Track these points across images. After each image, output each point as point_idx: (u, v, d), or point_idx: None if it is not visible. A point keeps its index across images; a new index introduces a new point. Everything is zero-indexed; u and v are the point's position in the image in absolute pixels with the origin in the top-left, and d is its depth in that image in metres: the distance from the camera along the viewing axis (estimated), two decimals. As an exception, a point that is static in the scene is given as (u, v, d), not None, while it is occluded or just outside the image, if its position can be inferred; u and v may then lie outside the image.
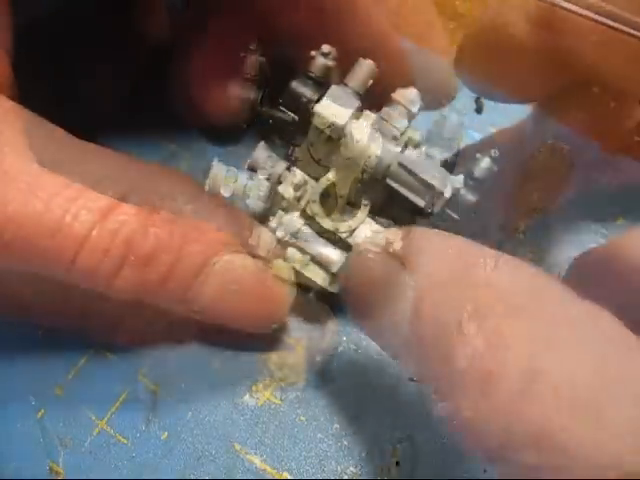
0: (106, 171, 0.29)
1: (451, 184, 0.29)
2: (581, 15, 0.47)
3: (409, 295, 0.25)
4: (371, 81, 0.31)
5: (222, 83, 0.38)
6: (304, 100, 0.30)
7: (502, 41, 0.32)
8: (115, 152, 0.31)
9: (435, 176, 0.29)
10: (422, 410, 0.34)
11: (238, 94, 0.39)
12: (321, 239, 0.33)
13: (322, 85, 0.31)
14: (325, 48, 0.31)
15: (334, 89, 0.30)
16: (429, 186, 0.29)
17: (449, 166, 0.30)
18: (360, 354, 0.35)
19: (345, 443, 0.33)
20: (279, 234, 0.32)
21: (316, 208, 0.32)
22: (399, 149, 0.30)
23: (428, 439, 0.34)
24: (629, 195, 0.40)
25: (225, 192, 0.32)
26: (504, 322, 0.23)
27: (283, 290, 0.33)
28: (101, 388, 0.34)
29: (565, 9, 0.47)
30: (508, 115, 0.42)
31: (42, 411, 0.33)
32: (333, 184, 0.31)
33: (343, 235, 0.32)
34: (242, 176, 0.33)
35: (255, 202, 0.32)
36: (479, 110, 0.43)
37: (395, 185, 0.30)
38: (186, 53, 0.39)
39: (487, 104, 0.43)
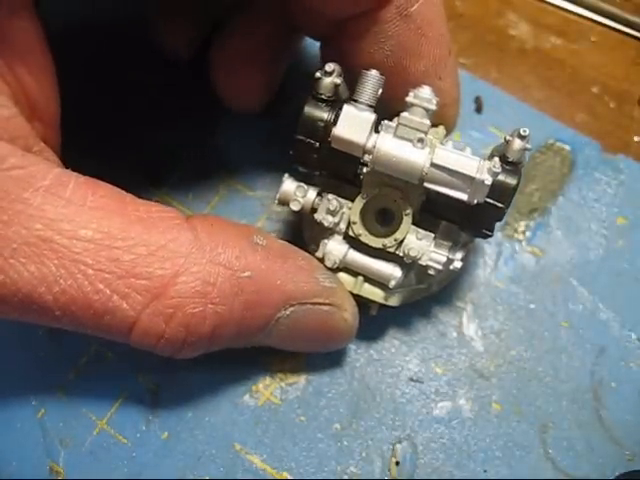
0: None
1: (489, 171, 0.28)
2: (581, 15, 0.47)
3: None
4: (380, 91, 0.30)
5: (241, 70, 0.38)
6: (321, 124, 0.30)
7: None
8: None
9: (471, 166, 0.29)
10: (422, 410, 0.35)
11: (256, 83, 0.38)
12: (369, 257, 0.32)
13: (335, 103, 0.30)
14: (328, 67, 0.30)
15: (347, 109, 0.29)
16: (468, 178, 0.29)
17: (514, 190, 0.29)
18: (360, 354, 0.35)
19: (345, 443, 0.33)
20: (328, 264, 0.31)
21: (359, 229, 0.31)
22: (427, 150, 0.29)
23: (428, 439, 0.34)
24: (629, 195, 0.40)
25: (294, 206, 0.31)
26: None
27: (349, 325, 0.32)
28: (101, 388, 0.34)
29: (565, 9, 0.47)
30: (508, 115, 0.43)
31: (42, 411, 0.33)
32: (396, 203, 0.31)
33: (391, 249, 0.31)
34: (311, 191, 0.32)
35: (324, 216, 0.31)
36: (479, 110, 0.43)
37: (434, 186, 0.29)
38: (220, 35, 0.38)
39: (487, 104, 0.43)
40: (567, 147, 0.42)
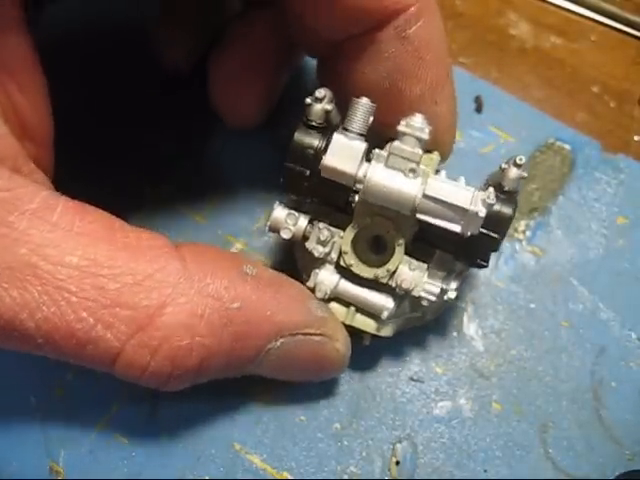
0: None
1: (484, 202, 0.28)
2: (581, 15, 0.47)
3: None
4: (372, 118, 0.29)
5: (238, 89, 0.37)
6: (311, 152, 0.29)
7: None
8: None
9: (465, 197, 0.28)
10: (422, 410, 0.35)
11: (253, 101, 0.38)
12: (361, 287, 0.31)
13: (326, 130, 0.29)
14: (319, 93, 0.29)
15: (336, 138, 0.29)
16: (461, 210, 0.28)
17: (509, 220, 0.29)
18: (360, 354, 0.35)
19: (345, 443, 0.33)
20: (319, 294, 0.31)
21: (350, 259, 0.31)
22: (420, 180, 0.28)
23: (428, 439, 0.34)
24: (629, 195, 0.40)
25: (285, 235, 0.31)
26: None
27: (341, 355, 0.32)
28: (101, 388, 0.34)
29: (565, 9, 0.47)
30: (508, 114, 0.42)
31: (42, 411, 0.33)
32: (388, 234, 0.30)
33: (383, 280, 0.31)
34: (302, 219, 0.31)
35: (314, 246, 0.31)
36: (479, 109, 0.43)
37: (427, 218, 0.28)
38: (218, 49, 0.38)
39: (487, 103, 0.43)
40: (567, 146, 0.42)
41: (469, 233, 0.28)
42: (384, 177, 0.28)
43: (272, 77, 0.38)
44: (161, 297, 0.25)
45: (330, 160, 0.28)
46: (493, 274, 0.38)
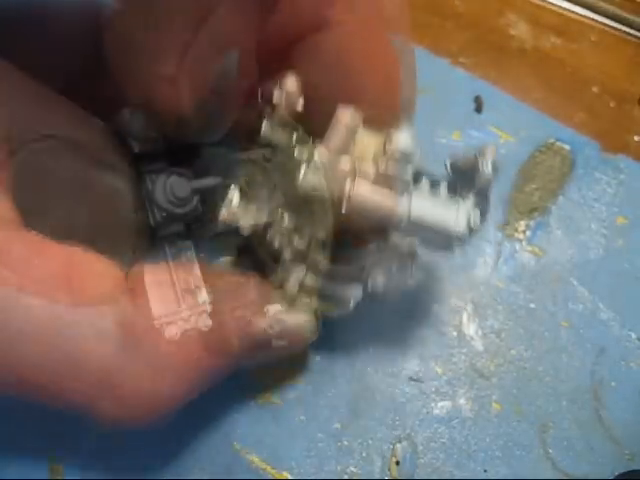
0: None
1: (466, 217, 0.27)
2: (581, 15, 0.47)
3: None
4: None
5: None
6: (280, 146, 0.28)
7: None
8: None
9: (450, 219, 0.27)
10: (422, 410, 0.35)
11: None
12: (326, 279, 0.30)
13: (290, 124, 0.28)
14: (288, 83, 0.28)
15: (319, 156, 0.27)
16: (447, 236, 0.27)
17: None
18: (360, 353, 0.35)
19: (345, 443, 0.33)
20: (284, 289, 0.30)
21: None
22: (408, 201, 0.27)
23: (428, 439, 0.34)
24: (629, 195, 0.40)
25: (244, 224, 0.29)
26: None
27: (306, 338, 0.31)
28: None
29: (565, 9, 0.47)
30: (508, 114, 0.43)
31: (42, 411, 0.33)
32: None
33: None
34: (260, 213, 0.30)
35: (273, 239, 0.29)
36: (478, 109, 0.43)
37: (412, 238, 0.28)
38: None
39: (487, 103, 0.43)
40: (567, 147, 0.42)
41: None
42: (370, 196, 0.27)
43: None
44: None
45: (308, 181, 0.27)
46: (493, 274, 0.38)
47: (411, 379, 0.35)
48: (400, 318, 0.36)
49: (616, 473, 0.33)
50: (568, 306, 0.37)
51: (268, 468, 0.33)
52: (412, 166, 0.28)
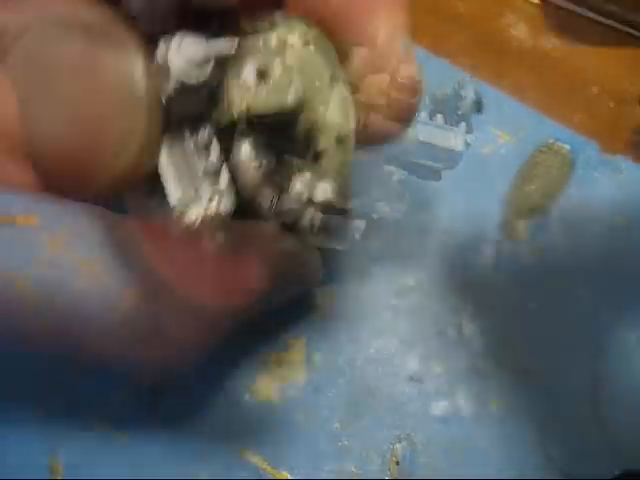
0: None
1: (462, 138, 0.32)
2: (581, 15, 0.47)
3: None
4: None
5: None
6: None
7: None
8: None
9: (451, 138, 0.31)
10: (421, 410, 0.35)
11: None
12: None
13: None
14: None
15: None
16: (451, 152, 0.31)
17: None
18: (359, 353, 0.35)
19: (345, 443, 0.33)
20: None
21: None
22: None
23: (428, 438, 0.34)
24: (629, 195, 0.40)
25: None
26: None
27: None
28: (101, 387, 0.34)
29: (565, 9, 0.47)
30: (508, 115, 0.43)
31: (42, 410, 0.33)
32: None
33: None
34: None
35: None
36: (479, 110, 0.43)
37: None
38: None
39: (487, 104, 0.43)
40: (567, 147, 0.42)
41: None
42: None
43: None
44: None
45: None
46: (493, 274, 0.38)
47: (411, 379, 0.35)
48: (400, 317, 0.36)
49: (615, 473, 0.33)
50: (568, 306, 0.37)
51: (268, 468, 0.33)
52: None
